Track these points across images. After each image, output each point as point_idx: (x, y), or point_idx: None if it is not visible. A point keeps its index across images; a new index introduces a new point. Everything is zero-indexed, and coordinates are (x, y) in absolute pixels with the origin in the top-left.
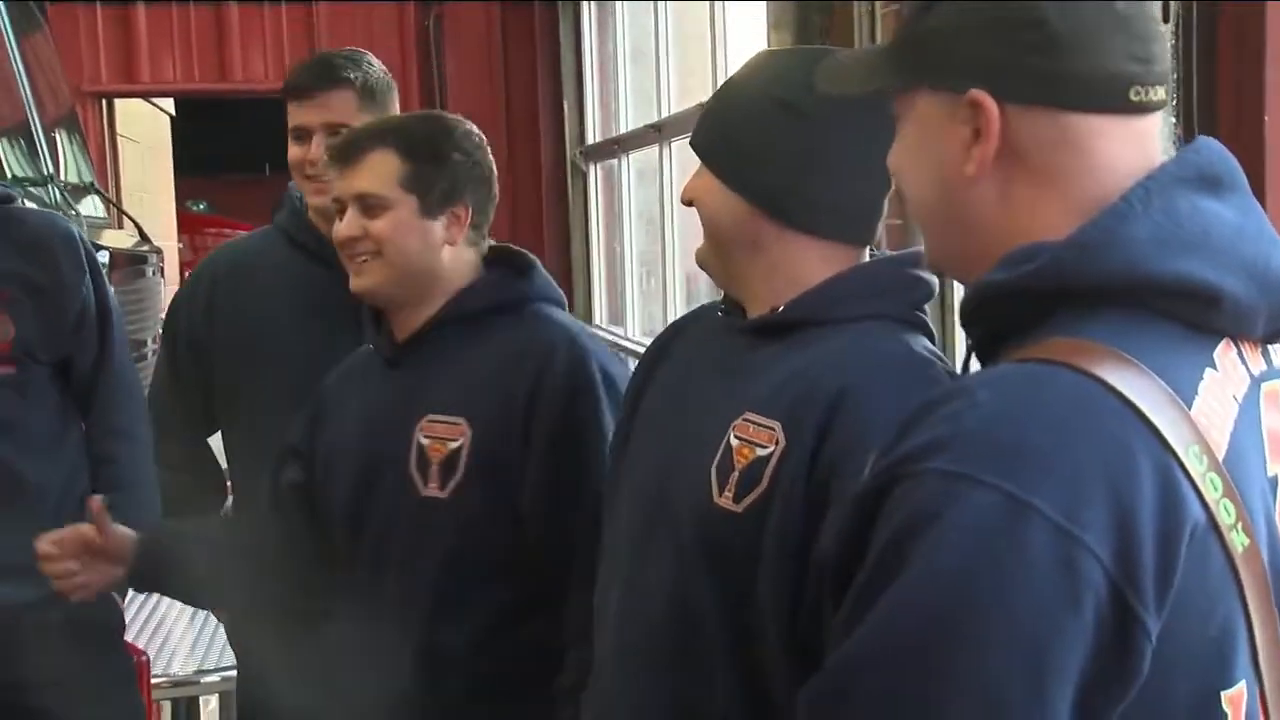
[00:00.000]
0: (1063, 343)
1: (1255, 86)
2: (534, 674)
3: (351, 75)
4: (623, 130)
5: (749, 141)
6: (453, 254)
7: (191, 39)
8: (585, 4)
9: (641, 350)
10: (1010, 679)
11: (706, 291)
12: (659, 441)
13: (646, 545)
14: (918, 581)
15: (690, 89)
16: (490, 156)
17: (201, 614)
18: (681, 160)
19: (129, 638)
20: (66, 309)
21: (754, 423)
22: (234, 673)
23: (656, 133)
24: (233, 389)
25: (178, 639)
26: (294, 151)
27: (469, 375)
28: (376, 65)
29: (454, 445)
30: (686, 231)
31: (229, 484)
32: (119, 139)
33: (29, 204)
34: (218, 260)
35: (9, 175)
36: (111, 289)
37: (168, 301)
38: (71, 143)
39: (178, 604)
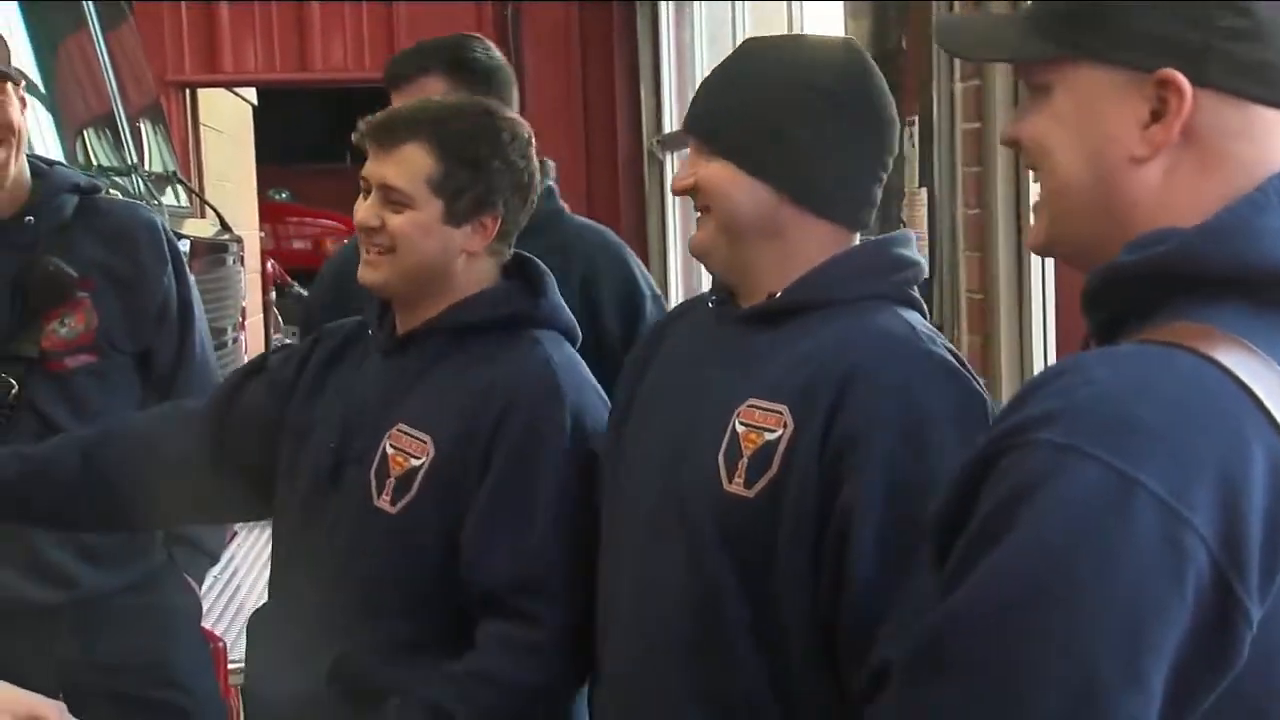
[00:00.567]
0: (1184, 327)
1: None
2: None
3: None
4: None
5: (778, 130)
6: (469, 261)
7: (273, 30)
8: (664, 3)
9: None
10: (1105, 653)
11: None
12: (662, 437)
13: (657, 542)
14: (1020, 549)
15: None
16: (535, 161)
17: None
18: None
19: (208, 624)
20: (148, 300)
21: (759, 408)
22: None
23: None
24: None
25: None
26: None
27: (447, 393)
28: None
29: (415, 463)
30: None
31: None
32: (202, 128)
33: (114, 194)
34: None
35: (95, 165)
36: (193, 279)
37: (248, 289)
38: (156, 133)
39: (256, 590)
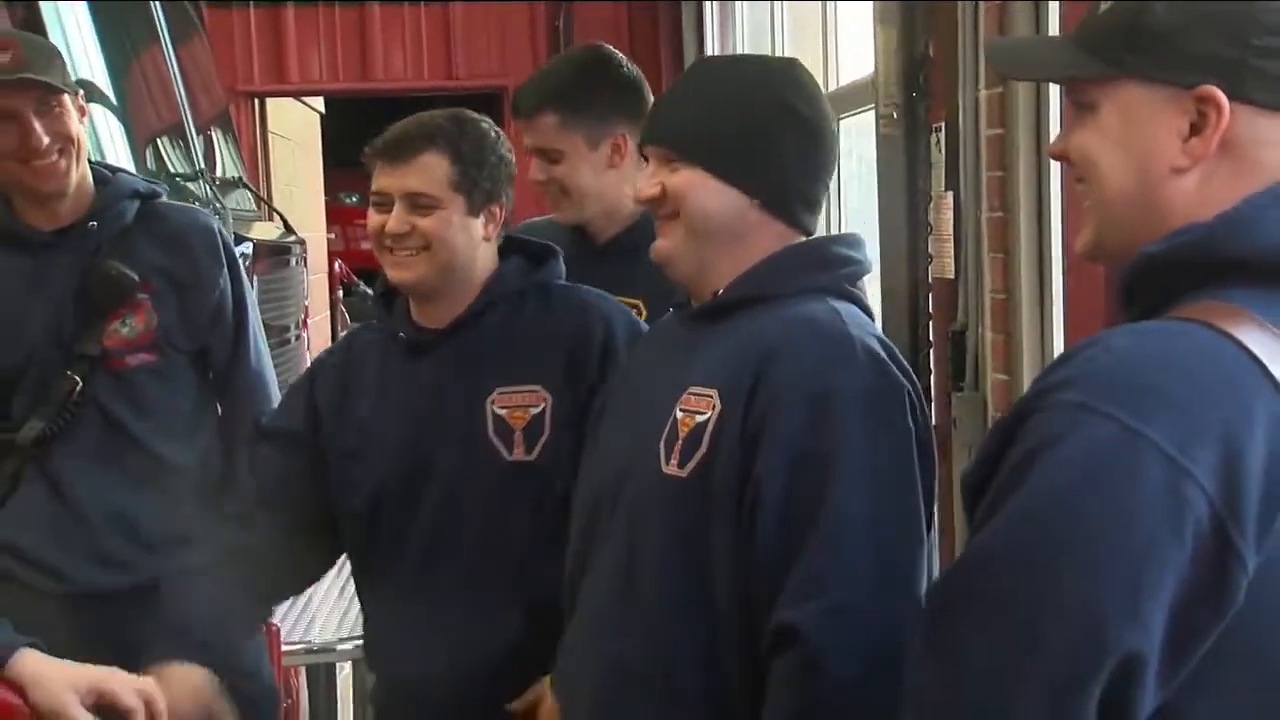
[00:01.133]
0: (1203, 305)
1: None
2: None
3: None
4: None
5: (748, 138)
6: (485, 248)
7: (336, 39)
8: (708, 3)
9: None
10: (1108, 590)
11: None
12: (621, 432)
13: (600, 526)
14: (1036, 495)
15: None
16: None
17: (338, 588)
18: None
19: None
20: (204, 301)
21: (695, 394)
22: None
23: None
24: None
25: (315, 609)
26: None
27: (527, 347)
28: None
29: (535, 411)
30: None
31: None
32: (270, 136)
33: (175, 199)
34: None
35: (164, 172)
36: (249, 282)
37: (312, 289)
38: (225, 141)
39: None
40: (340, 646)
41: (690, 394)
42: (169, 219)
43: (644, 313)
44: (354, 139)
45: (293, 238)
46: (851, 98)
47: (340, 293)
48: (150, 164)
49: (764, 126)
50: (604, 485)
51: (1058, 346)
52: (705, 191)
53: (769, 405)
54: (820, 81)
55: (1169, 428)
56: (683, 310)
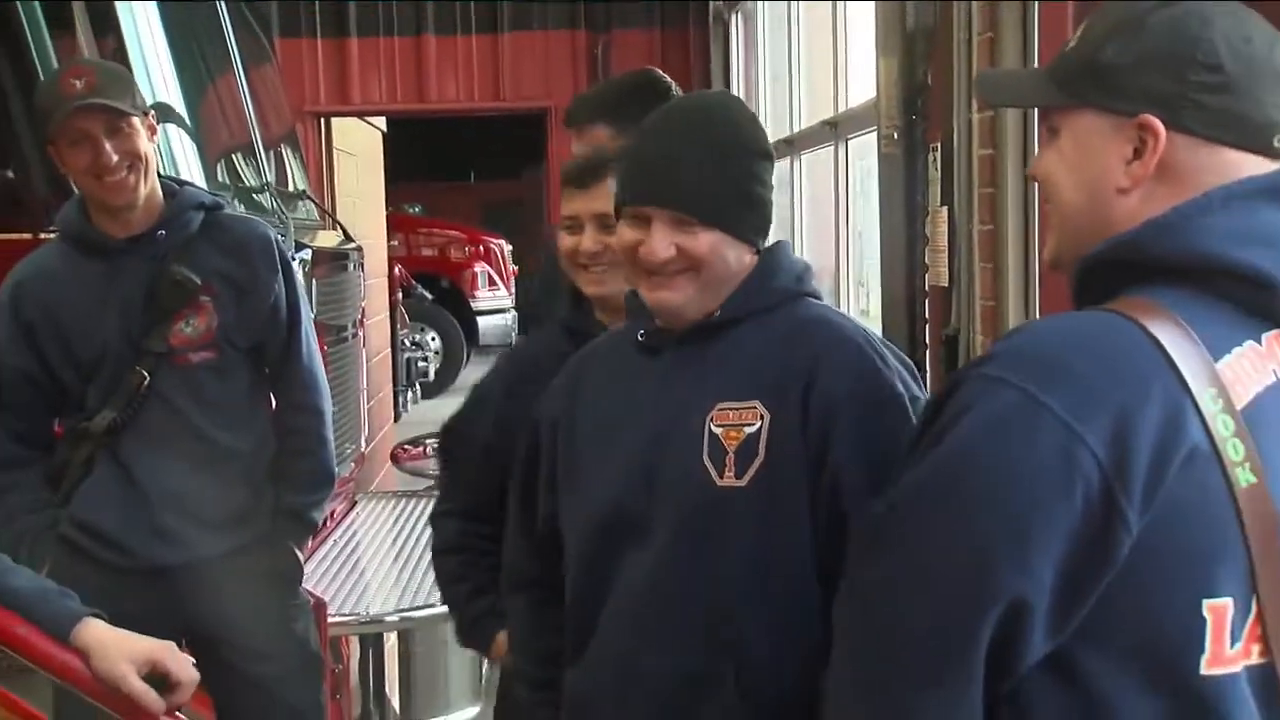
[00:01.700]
0: (1127, 299)
1: None
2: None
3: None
4: None
5: (749, 193)
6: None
7: (395, 66)
8: (733, 31)
9: None
10: (999, 539)
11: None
12: (614, 461)
13: (617, 546)
14: (944, 452)
15: (814, 108)
16: None
17: (388, 564)
18: (809, 172)
19: (324, 584)
20: (260, 303)
21: (730, 408)
22: (412, 613)
23: (788, 146)
24: None
25: (367, 582)
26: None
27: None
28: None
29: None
30: (815, 232)
31: None
32: (335, 152)
33: (244, 210)
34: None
35: (233, 185)
36: (302, 286)
37: (370, 292)
38: (293, 157)
39: (370, 551)
40: (388, 618)
41: (722, 409)
42: (230, 228)
43: None
44: (414, 155)
45: (351, 245)
46: (857, 120)
47: (400, 295)
48: (222, 178)
49: (762, 181)
50: (616, 508)
51: None
52: (727, 250)
53: (830, 404)
54: (830, 105)
55: (1068, 398)
56: (654, 335)
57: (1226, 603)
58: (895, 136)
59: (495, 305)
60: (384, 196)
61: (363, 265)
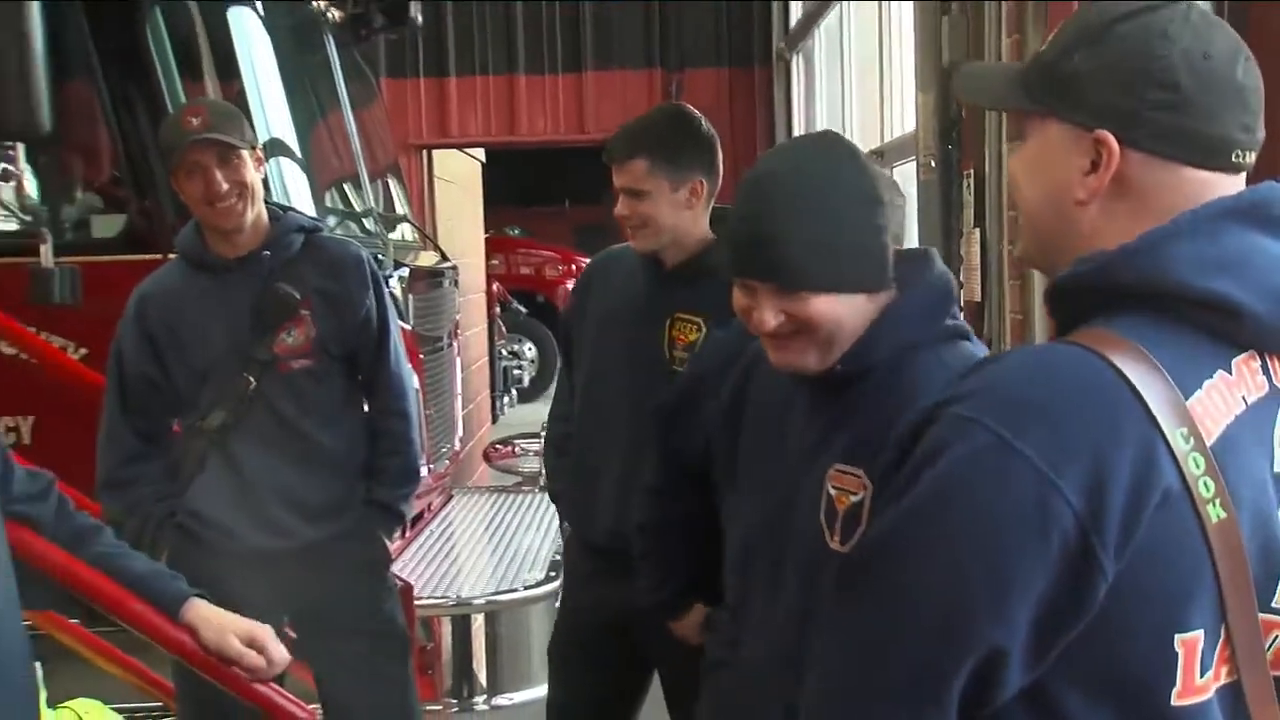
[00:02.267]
0: (1091, 331)
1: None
2: None
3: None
4: None
5: (861, 245)
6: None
7: (490, 101)
8: (794, 69)
9: None
10: (975, 587)
11: None
12: (758, 489)
13: (760, 567)
14: (919, 497)
15: (864, 139)
16: None
17: (480, 552)
18: None
19: (419, 569)
20: (353, 316)
21: (844, 472)
22: (498, 597)
23: None
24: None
25: (459, 567)
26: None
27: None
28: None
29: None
30: None
31: None
32: (436, 180)
33: (348, 233)
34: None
35: (352, 208)
36: (392, 301)
37: (465, 307)
38: (397, 185)
39: (462, 540)
40: (476, 601)
41: (837, 470)
42: (328, 249)
43: (704, 330)
44: (515, 182)
45: (447, 264)
46: (899, 149)
47: (497, 309)
48: (331, 203)
49: (866, 228)
50: (753, 533)
51: None
52: (839, 308)
53: None
54: (876, 136)
55: (1043, 444)
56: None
57: (1198, 635)
58: (933, 164)
59: None
60: (482, 220)
61: (456, 282)
